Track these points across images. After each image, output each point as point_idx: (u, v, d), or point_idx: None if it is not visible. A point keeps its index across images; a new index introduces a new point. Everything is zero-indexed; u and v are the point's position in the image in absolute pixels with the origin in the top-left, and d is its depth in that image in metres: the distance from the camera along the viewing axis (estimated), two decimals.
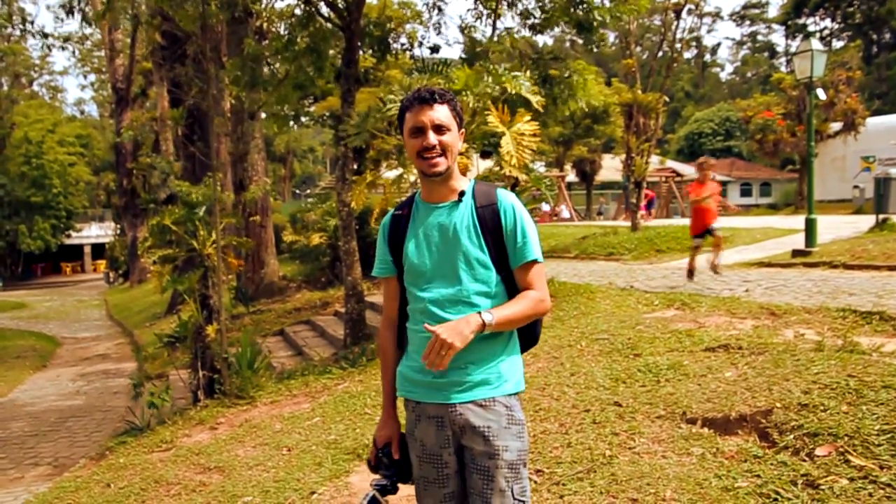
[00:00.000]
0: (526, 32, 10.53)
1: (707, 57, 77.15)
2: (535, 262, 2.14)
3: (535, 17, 9.76)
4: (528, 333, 2.28)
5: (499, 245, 2.13)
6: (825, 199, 27.17)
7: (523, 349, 2.28)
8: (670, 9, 16.53)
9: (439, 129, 2.09)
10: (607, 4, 9.27)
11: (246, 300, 15.39)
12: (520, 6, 10.07)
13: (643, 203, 24.26)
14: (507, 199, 2.16)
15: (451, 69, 7.48)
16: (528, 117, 6.86)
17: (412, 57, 12.33)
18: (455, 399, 2.09)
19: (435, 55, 12.39)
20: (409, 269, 2.19)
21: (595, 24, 9.05)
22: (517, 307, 2.09)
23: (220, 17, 10.32)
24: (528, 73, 7.83)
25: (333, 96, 13.52)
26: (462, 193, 2.16)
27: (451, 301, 2.09)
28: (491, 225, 2.12)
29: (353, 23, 8.95)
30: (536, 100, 6.86)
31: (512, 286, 2.17)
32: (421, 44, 13.19)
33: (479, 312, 2.02)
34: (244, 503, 4.25)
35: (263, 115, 14.51)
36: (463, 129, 2.20)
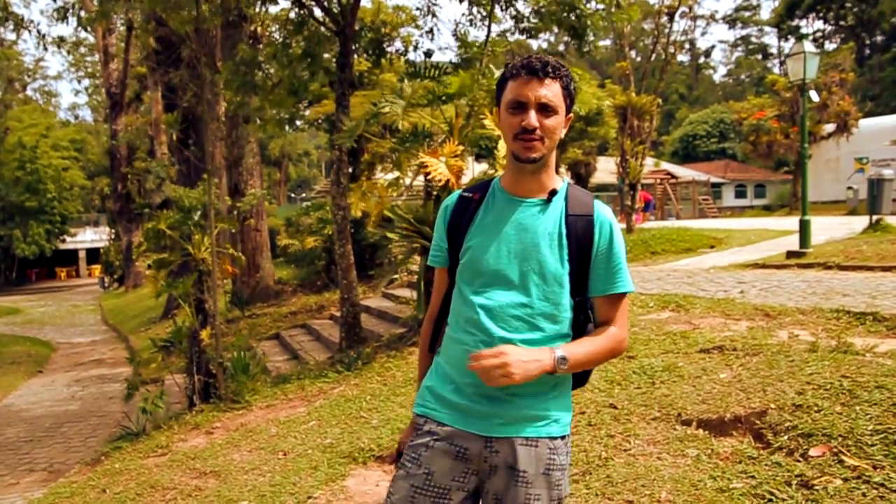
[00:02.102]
0: (520, 36, 10.55)
1: (701, 59, 77.47)
2: (625, 294, 1.84)
3: (528, 21, 9.79)
4: (580, 373, 1.92)
5: (582, 264, 1.80)
6: (819, 200, 27.28)
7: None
8: (663, 11, 16.59)
9: (545, 108, 1.74)
10: (600, 10, 9.31)
11: (241, 304, 15.39)
12: (513, 10, 10.09)
13: (640, 206, 24.14)
14: (605, 214, 1.83)
15: (445, 74, 7.50)
16: None
17: (407, 61, 12.36)
18: (495, 432, 1.77)
19: (427, 59, 12.42)
20: (467, 263, 1.84)
21: (588, 29, 9.07)
22: (594, 347, 1.77)
23: (215, 22, 10.33)
24: None
25: (328, 100, 13.54)
26: (553, 192, 1.83)
27: (510, 315, 1.76)
28: (580, 238, 1.78)
29: (347, 27, 8.96)
30: None
31: (581, 315, 1.85)
32: (416, 48, 13.24)
33: (553, 349, 1.69)
34: None
35: (258, 120, 14.53)
36: (571, 115, 1.85)
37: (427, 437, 1.83)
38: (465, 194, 1.93)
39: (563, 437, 1.84)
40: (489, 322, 1.77)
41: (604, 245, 1.80)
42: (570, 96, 1.80)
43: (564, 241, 1.78)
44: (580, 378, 1.96)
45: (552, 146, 1.79)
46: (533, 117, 1.73)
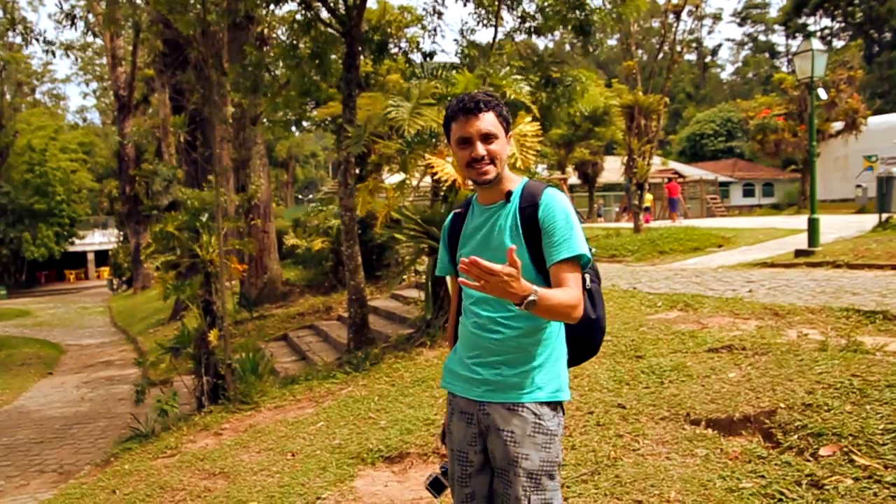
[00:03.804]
0: (526, 36, 10.55)
1: (708, 58, 77.16)
2: (566, 260, 2.01)
3: (533, 21, 9.78)
4: (585, 341, 2.23)
5: (537, 245, 2.07)
6: (828, 198, 27.15)
7: (581, 360, 2.26)
8: (669, 10, 16.54)
9: (487, 137, 2.07)
10: (607, 6, 9.30)
11: (249, 305, 15.41)
12: (519, 10, 10.09)
13: (648, 204, 23.71)
14: (549, 197, 2.08)
15: (450, 73, 7.49)
16: (528, 118, 6.89)
17: (409, 62, 12.34)
18: (485, 398, 2.10)
19: (430, 61, 12.38)
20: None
21: (594, 27, 9.05)
22: (558, 297, 1.92)
23: (221, 24, 10.36)
24: (529, 74, 7.86)
25: (335, 101, 13.54)
26: (510, 194, 2.13)
27: (492, 302, 2.08)
28: (530, 224, 2.07)
29: (353, 28, 8.97)
30: (535, 106, 6.89)
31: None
32: (419, 48, 13.21)
33: (533, 293, 1.82)
34: None
35: (266, 121, 14.54)
36: (510, 133, 2.18)
37: (449, 408, 2.25)
38: (456, 211, 2.33)
39: (549, 404, 2.10)
40: (477, 308, 2.15)
41: (548, 223, 2.05)
42: (505, 119, 2.14)
43: (520, 231, 2.09)
44: (588, 348, 2.25)
45: (502, 163, 2.12)
46: (480, 148, 2.06)
